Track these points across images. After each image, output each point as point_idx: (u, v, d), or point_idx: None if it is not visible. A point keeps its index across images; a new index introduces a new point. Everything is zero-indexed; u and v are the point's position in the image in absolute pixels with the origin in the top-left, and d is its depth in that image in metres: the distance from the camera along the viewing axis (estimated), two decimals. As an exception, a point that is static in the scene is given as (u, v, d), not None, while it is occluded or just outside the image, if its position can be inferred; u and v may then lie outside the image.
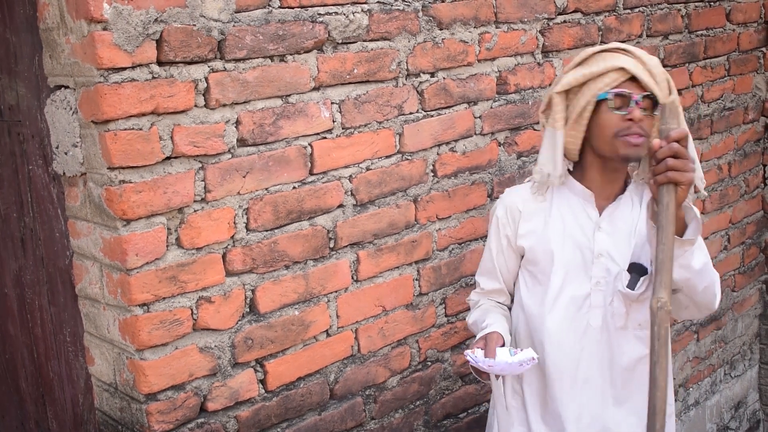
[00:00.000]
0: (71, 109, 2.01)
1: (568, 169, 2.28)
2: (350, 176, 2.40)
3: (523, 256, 2.33)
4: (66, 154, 2.06)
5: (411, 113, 2.54)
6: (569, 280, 2.23)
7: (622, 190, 2.25)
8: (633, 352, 2.21)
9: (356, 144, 2.40)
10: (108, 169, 1.94)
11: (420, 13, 2.50)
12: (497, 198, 2.49)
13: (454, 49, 2.61)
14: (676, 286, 2.03)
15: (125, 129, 1.93)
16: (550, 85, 2.94)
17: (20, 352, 2.59)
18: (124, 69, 1.91)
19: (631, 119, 2.08)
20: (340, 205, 2.39)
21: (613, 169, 2.20)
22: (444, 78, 2.61)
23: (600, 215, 2.22)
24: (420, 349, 2.67)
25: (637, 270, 2.16)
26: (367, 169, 2.44)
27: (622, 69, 2.08)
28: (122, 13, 1.88)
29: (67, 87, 2.02)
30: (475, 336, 2.29)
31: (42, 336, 2.46)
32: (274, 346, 2.29)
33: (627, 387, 2.23)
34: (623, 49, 2.13)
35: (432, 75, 2.57)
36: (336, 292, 2.42)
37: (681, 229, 1.95)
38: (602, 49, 2.15)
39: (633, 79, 2.08)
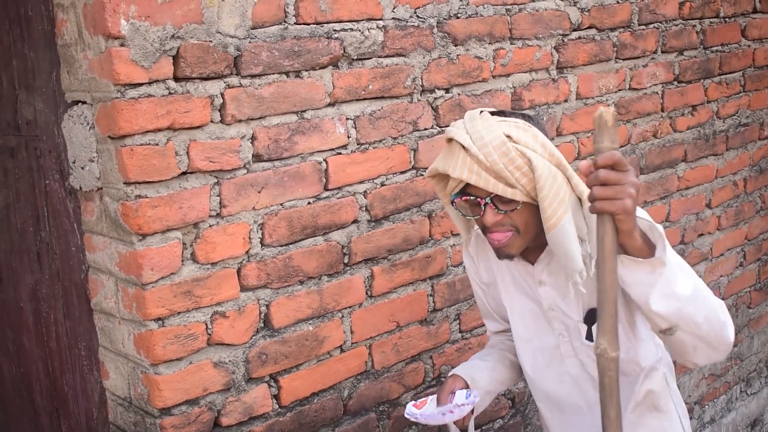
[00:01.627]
0: (88, 124, 2.02)
1: None
2: (365, 192, 2.40)
3: None
4: (83, 168, 2.08)
5: (426, 129, 2.54)
6: (533, 330, 2.08)
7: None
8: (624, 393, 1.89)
9: (371, 160, 2.40)
10: (124, 183, 1.95)
11: (435, 30, 2.50)
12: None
13: (469, 65, 2.62)
14: (670, 323, 1.71)
15: (142, 144, 1.94)
16: (565, 101, 2.94)
17: (35, 365, 2.60)
18: (140, 85, 1.92)
19: (483, 223, 1.86)
20: (355, 221, 2.39)
21: None
22: (459, 94, 2.61)
23: (534, 266, 2.00)
24: (434, 365, 2.67)
25: (594, 317, 1.83)
26: (382, 184, 2.45)
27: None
28: (139, 29, 1.89)
29: (84, 102, 2.04)
30: None
31: (57, 350, 2.46)
32: (288, 361, 2.29)
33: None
34: (459, 143, 1.81)
35: (447, 91, 2.58)
36: (350, 307, 2.42)
37: (648, 254, 1.65)
38: (448, 137, 1.86)
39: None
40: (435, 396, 2.05)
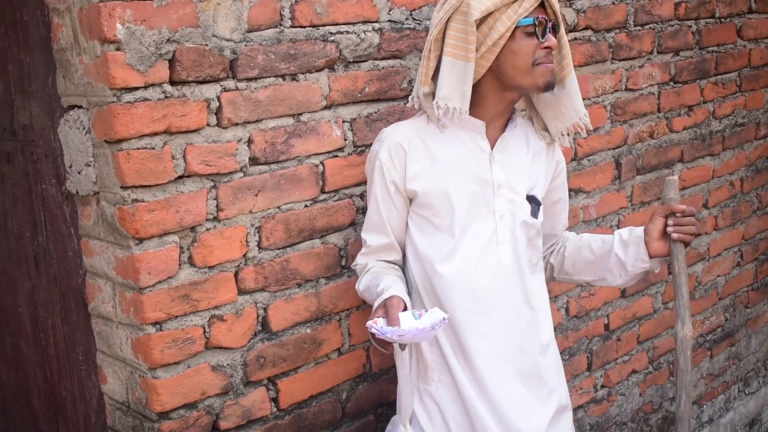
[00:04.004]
0: (84, 128, 2.02)
1: None
2: (362, 194, 2.40)
3: (411, 201, 2.17)
4: (79, 173, 2.08)
5: (422, 131, 2.53)
6: (472, 217, 2.12)
7: (507, 122, 2.20)
8: (536, 289, 2.20)
9: (368, 162, 2.40)
10: (121, 188, 1.95)
11: (431, 32, 2.50)
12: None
13: (465, 67, 2.61)
14: (587, 274, 2.36)
15: (138, 148, 1.94)
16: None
17: (33, 370, 2.60)
18: (136, 89, 1.92)
19: (548, 47, 2.04)
20: (352, 223, 2.39)
21: (511, 100, 2.13)
22: (455, 96, 2.61)
23: (491, 147, 2.16)
24: (432, 367, 2.66)
25: (531, 201, 2.18)
26: (379, 186, 2.44)
27: None
28: (135, 33, 1.90)
29: (80, 107, 2.04)
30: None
31: (55, 355, 2.46)
32: (287, 364, 2.29)
33: (539, 325, 2.19)
34: None
35: (443, 93, 2.57)
36: (348, 310, 2.42)
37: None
38: None
39: (541, 5, 2.03)
40: (381, 318, 1.91)
